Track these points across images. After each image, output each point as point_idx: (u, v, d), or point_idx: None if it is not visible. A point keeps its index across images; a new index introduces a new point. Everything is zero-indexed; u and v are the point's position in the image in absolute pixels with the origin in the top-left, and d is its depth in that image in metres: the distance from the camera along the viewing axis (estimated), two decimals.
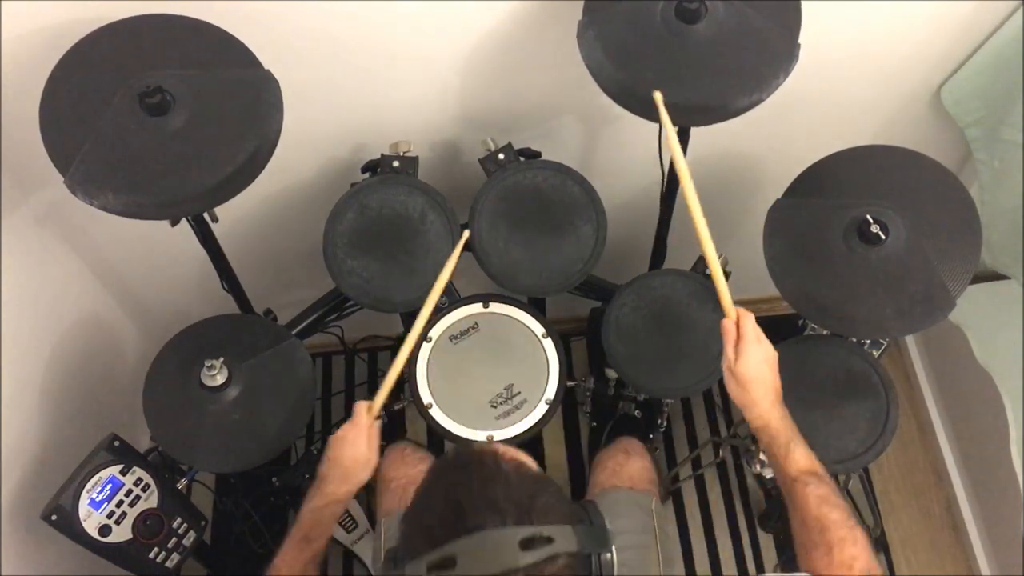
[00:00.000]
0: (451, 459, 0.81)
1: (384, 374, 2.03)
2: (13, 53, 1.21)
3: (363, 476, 1.18)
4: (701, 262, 1.47)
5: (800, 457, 1.07)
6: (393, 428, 1.92)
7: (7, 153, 1.35)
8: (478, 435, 1.34)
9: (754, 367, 1.08)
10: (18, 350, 1.41)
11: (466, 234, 1.33)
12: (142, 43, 1.14)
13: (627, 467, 1.42)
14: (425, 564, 0.73)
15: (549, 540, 0.73)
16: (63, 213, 1.50)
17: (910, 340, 2.07)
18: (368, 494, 1.85)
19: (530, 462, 0.81)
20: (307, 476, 1.75)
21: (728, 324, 1.10)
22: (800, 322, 1.54)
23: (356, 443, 1.16)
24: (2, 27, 1.18)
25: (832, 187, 1.31)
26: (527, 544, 0.72)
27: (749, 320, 1.10)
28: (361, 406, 1.19)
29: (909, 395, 2.02)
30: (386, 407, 1.84)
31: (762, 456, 1.80)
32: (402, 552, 0.78)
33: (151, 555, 1.35)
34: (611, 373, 1.80)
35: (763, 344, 1.09)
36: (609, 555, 0.79)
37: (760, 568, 1.85)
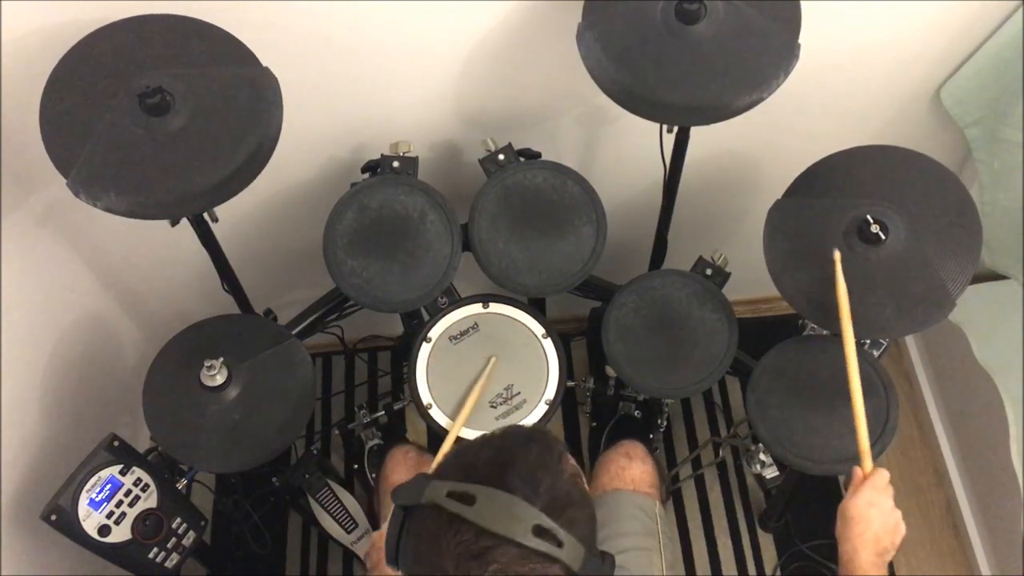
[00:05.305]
0: (527, 429, 0.84)
1: (384, 374, 2.05)
2: (13, 53, 1.21)
3: None
4: (701, 262, 1.47)
5: None
6: (393, 429, 1.92)
7: (7, 153, 1.35)
8: (477, 436, 1.34)
9: (862, 508, 1.09)
10: (18, 350, 1.41)
11: (494, 361, 1.31)
12: (142, 43, 1.14)
13: (629, 471, 1.42)
14: (447, 490, 0.75)
15: (559, 544, 0.73)
16: (63, 213, 1.50)
17: (910, 340, 2.06)
18: (369, 494, 1.85)
19: (586, 484, 0.83)
20: (307, 476, 1.76)
21: (858, 472, 1.12)
22: (800, 322, 1.54)
23: None
24: (2, 27, 1.18)
25: (832, 187, 1.31)
26: (539, 531, 0.73)
27: (881, 475, 1.11)
28: None
29: (909, 395, 2.02)
30: (387, 409, 1.86)
31: (762, 456, 1.80)
32: (434, 473, 0.80)
33: (151, 555, 1.35)
34: (611, 373, 1.80)
35: (884, 497, 1.10)
36: None
37: (760, 568, 1.85)
